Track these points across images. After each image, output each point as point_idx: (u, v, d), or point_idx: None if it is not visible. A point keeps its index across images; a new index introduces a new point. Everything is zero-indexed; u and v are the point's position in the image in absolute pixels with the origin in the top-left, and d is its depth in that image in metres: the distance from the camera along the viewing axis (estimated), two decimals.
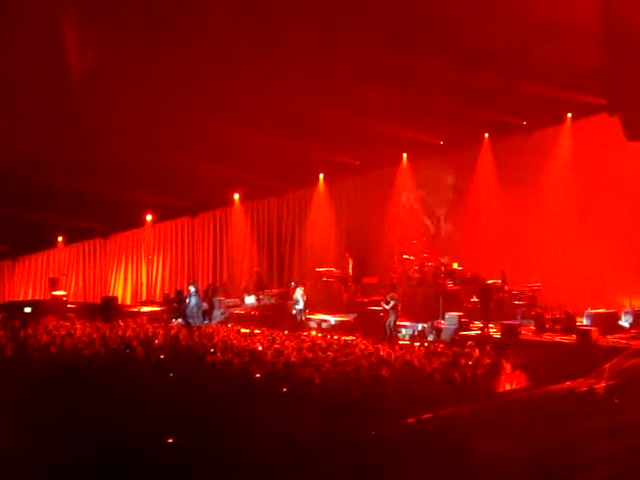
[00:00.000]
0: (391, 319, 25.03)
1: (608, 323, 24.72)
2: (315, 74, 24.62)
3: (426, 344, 22.54)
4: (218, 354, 19.28)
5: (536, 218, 29.55)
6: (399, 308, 25.30)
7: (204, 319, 28.20)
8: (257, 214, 35.68)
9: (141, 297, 34.02)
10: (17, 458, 10.19)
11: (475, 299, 27.96)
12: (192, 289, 29.12)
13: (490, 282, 28.29)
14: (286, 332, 24.25)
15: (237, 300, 32.03)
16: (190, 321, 27.50)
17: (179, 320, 27.81)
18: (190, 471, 9.84)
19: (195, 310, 28.47)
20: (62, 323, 25.26)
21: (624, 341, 22.99)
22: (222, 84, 24.38)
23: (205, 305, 29.04)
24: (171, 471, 9.84)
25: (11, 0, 20.33)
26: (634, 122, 23.87)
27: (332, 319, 28.50)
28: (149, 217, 33.32)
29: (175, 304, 29.23)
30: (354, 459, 10.39)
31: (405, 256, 31.62)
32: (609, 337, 23.67)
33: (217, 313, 29.19)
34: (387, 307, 25.29)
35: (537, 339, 24.45)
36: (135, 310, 30.70)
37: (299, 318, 28.24)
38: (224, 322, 27.88)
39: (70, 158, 26.74)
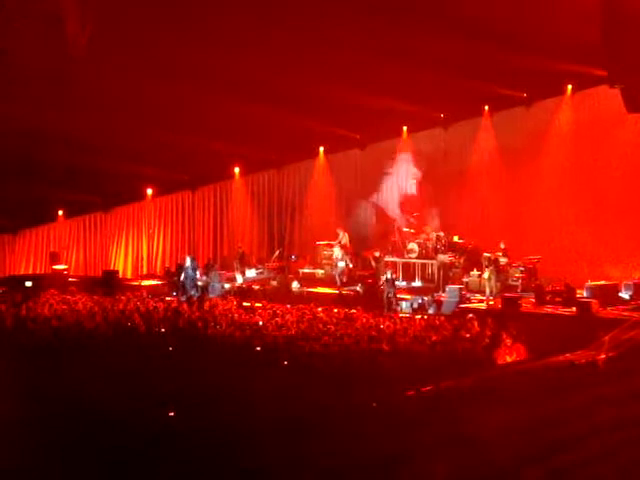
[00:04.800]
0: (389, 291, 25.07)
1: (608, 295, 24.77)
2: (316, 47, 24.54)
3: (426, 317, 22.56)
4: (218, 327, 19.34)
5: (536, 190, 29.46)
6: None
7: (203, 292, 28.17)
8: (257, 187, 35.53)
9: (142, 271, 33.98)
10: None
11: (476, 272, 27.94)
12: (189, 260, 29.06)
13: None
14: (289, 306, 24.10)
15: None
16: (189, 294, 27.48)
17: (179, 294, 27.81)
18: (190, 441, 9.89)
19: (191, 282, 28.40)
20: (63, 297, 25.31)
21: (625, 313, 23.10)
22: (223, 58, 24.31)
23: (205, 279, 29.05)
24: (170, 441, 9.89)
25: None
26: (634, 94, 23.85)
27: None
28: (149, 191, 33.22)
29: (175, 278, 29.21)
30: (354, 431, 10.45)
31: (405, 229, 31.57)
32: (609, 309, 23.74)
33: (217, 286, 29.17)
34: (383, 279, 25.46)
35: (537, 311, 24.50)
36: (136, 284, 30.69)
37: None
38: (223, 296, 27.85)
39: (70, 131, 26.67)
